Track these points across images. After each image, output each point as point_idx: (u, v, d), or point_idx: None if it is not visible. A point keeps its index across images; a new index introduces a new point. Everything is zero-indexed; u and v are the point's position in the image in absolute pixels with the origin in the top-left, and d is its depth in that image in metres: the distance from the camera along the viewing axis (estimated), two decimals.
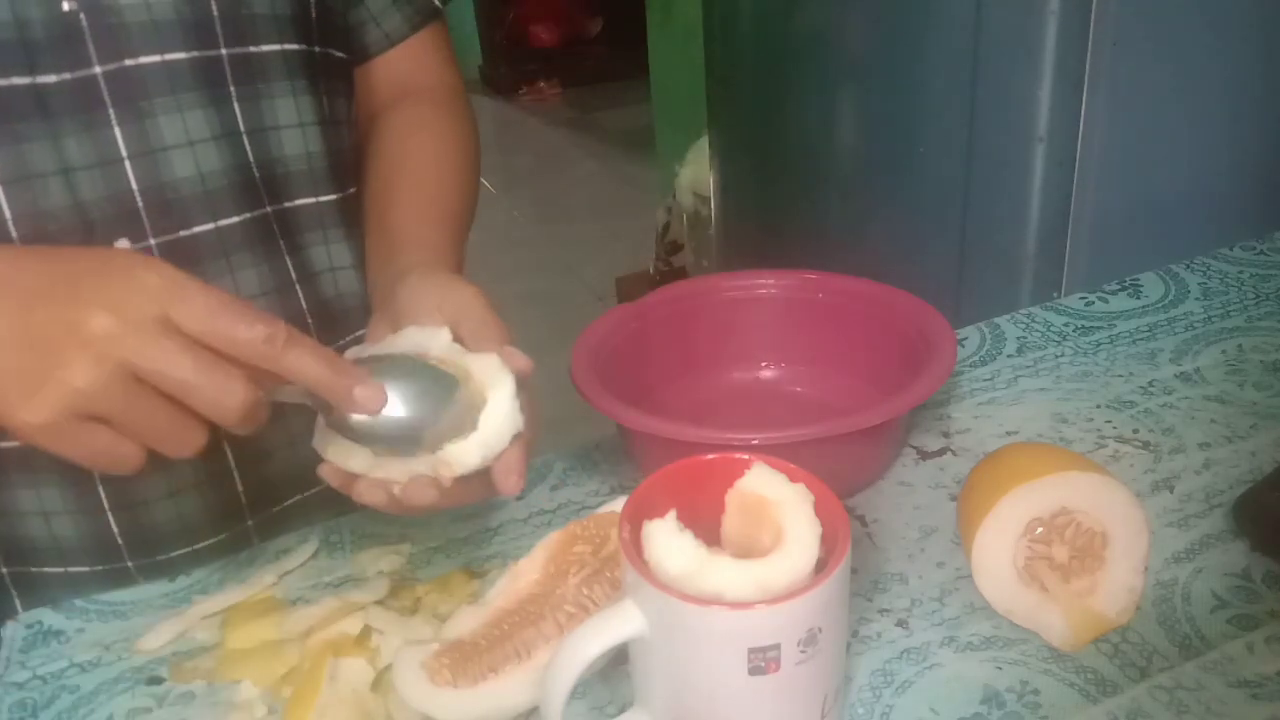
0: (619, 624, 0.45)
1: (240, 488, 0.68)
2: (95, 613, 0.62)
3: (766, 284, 0.79)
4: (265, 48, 0.63)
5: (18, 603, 0.67)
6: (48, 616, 0.62)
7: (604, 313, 0.75)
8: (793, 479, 0.49)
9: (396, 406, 0.50)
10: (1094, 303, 0.88)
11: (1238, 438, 0.70)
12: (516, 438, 0.52)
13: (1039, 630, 0.56)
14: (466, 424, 0.51)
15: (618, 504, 0.57)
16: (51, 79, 0.57)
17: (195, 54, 0.60)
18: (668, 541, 0.46)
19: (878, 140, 1.31)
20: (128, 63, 0.58)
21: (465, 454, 0.50)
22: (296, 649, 0.56)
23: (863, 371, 0.76)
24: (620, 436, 0.71)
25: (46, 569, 0.66)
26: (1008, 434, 0.73)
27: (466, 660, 0.52)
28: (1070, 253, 1.11)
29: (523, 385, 0.54)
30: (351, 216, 0.71)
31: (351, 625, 0.57)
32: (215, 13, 0.61)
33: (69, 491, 0.64)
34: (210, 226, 0.63)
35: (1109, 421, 0.73)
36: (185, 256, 0.62)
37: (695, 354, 0.79)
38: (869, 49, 1.27)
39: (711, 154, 1.77)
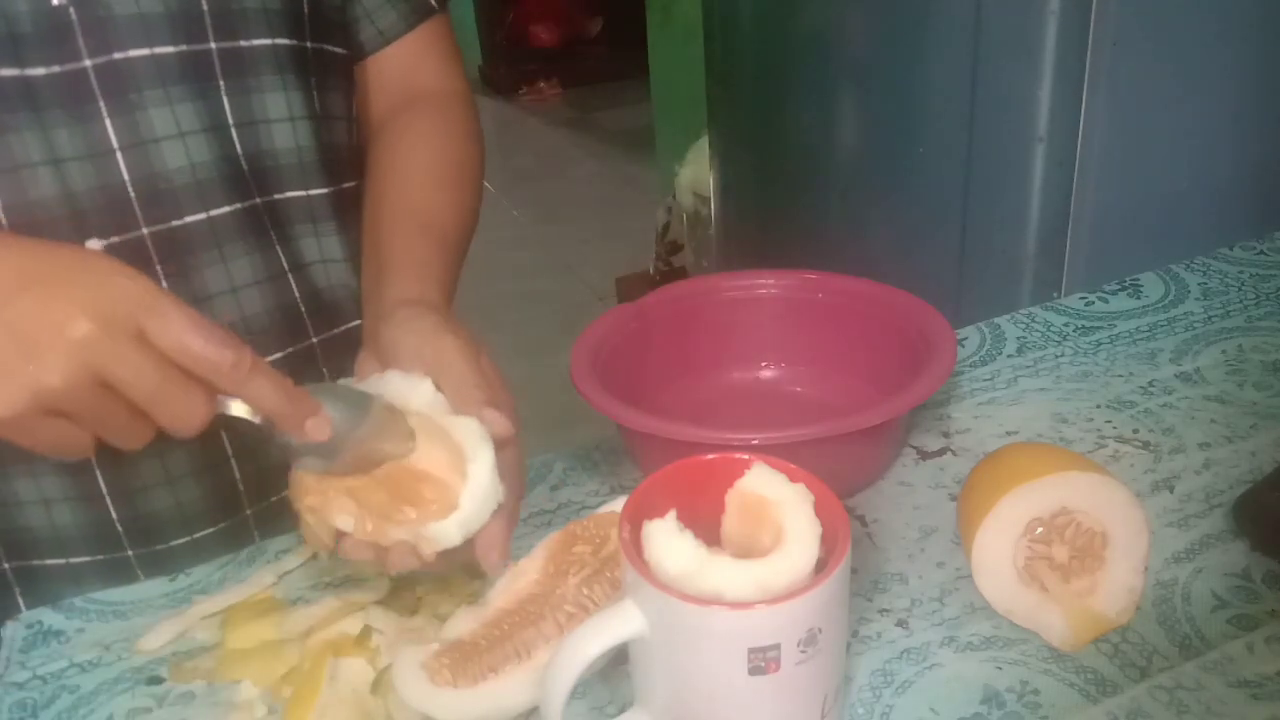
0: (619, 624, 0.45)
1: (237, 475, 0.69)
2: (95, 613, 0.62)
3: (766, 284, 0.79)
4: (255, 42, 0.64)
5: (20, 600, 0.67)
6: (48, 616, 0.62)
7: (604, 313, 0.75)
8: (793, 479, 0.49)
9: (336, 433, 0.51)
10: (1094, 303, 0.88)
11: (1238, 438, 0.70)
12: (498, 510, 0.52)
13: (1039, 630, 0.56)
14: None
15: (618, 504, 0.56)
16: (40, 72, 0.57)
17: (184, 48, 0.61)
18: (668, 541, 0.46)
19: (878, 140, 1.31)
20: (116, 56, 0.59)
21: (445, 532, 0.51)
22: (296, 649, 0.56)
23: (863, 371, 0.76)
24: (620, 436, 0.71)
25: (48, 561, 0.66)
26: (1008, 434, 0.73)
27: (466, 660, 0.52)
28: (1070, 253, 1.11)
29: (507, 444, 0.54)
30: (345, 211, 0.71)
31: (351, 625, 0.57)
32: (205, 7, 0.61)
33: (67, 479, 0.64)
34: (202, 216, 0.63)
35: (1109, 421, 0.73)
36: (178, 246, 0.63)
37: (695, 354, 0.79)
38: (869, 49, 1.27)
39: (711, 154, 1.77)
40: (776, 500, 0.48)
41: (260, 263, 0.67)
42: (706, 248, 2.32)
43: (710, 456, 0.51)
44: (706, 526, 0.48)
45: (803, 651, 0.44)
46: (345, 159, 0.72)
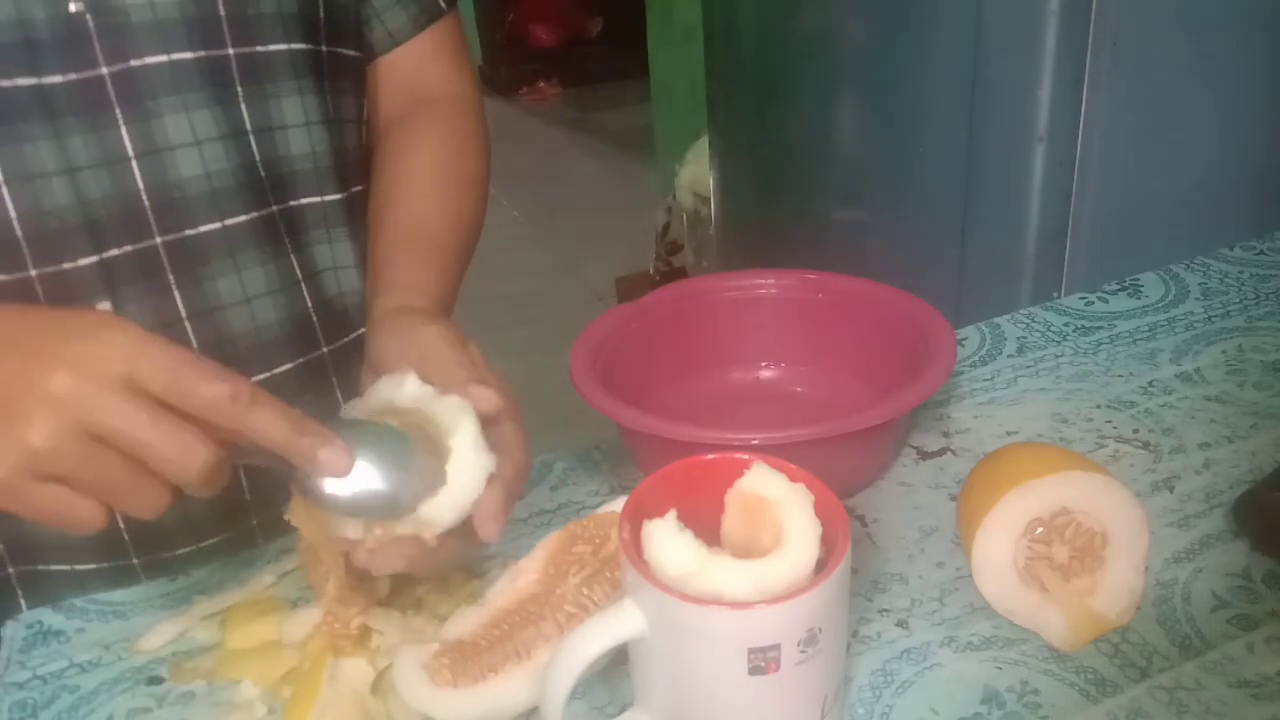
0: (619, 624, 0.45)
1: (245, 486, 0.69)
2: (95, 613, 0.62)
3: (766, 284, 0.79)
4: (272, 47, 0.63)
5: (23, 602, 0.67)
6: (48, 616, 0.62)
7: (604, 313, 0.75)
8: (793, 479, 0.49)
9: (367, 477, 0.49)
10: (1094, 303, 0.88)
11: (1238, 438, 0.70)
12: (492, 479, 0.51)
13: (1039, 630, 0.56)
14: (437, 478, 0.51)
15: (618, 504, 0.57)
16: (57, 79, 0.57)
17: (201, 54, 0.60)
18: (668, 541, 0.46)
19: (878, 140, 1.31)
20: (133, 63, 0.58)
21: (439, 511, 0.50)
22: (296, 649, 0.56)
23: (863, 371, 0.76)
24: (620, 436, 0.71)
25: (53, 566, 0.66)
26: (1008, 434, 0.73)
27: (466, 660, 0.52)
28: (1070, 253, 1.11)
29: (500, 420, 0.53)
30: (356, 215, 0.71)
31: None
32: (222, 12, 0.61)
33: None
34: (217, 225, 0.63)
35: (1109, 421, 0.73)
36: (192, 255, 0.63)
37: (695, 354, 0.79)
38: (869, 49, 1.27)
39: (711, 154, 1.77)
40: (776, 500, 0.48)
41: (274, 272, 0.66)
42: (706, 248, 2.32)
43: (710, 456, 0.51)
44: (706, 526, 0.48)
45: (803, 651, 0.44)
46: (356, 163, 0.72)
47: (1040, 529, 0.56)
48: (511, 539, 0.66)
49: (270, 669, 0.56)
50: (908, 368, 0.67)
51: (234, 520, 0.69)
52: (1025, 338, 0.84)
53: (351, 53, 0.71)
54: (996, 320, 0.87)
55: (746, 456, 0.50)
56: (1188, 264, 0.93)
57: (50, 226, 0.58)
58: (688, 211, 2.44)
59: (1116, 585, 0.56)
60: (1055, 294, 1.11)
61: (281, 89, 0.64)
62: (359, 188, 0.72)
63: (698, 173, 2.29)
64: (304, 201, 0.68)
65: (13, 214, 0.57)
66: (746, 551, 0.48)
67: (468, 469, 0.51)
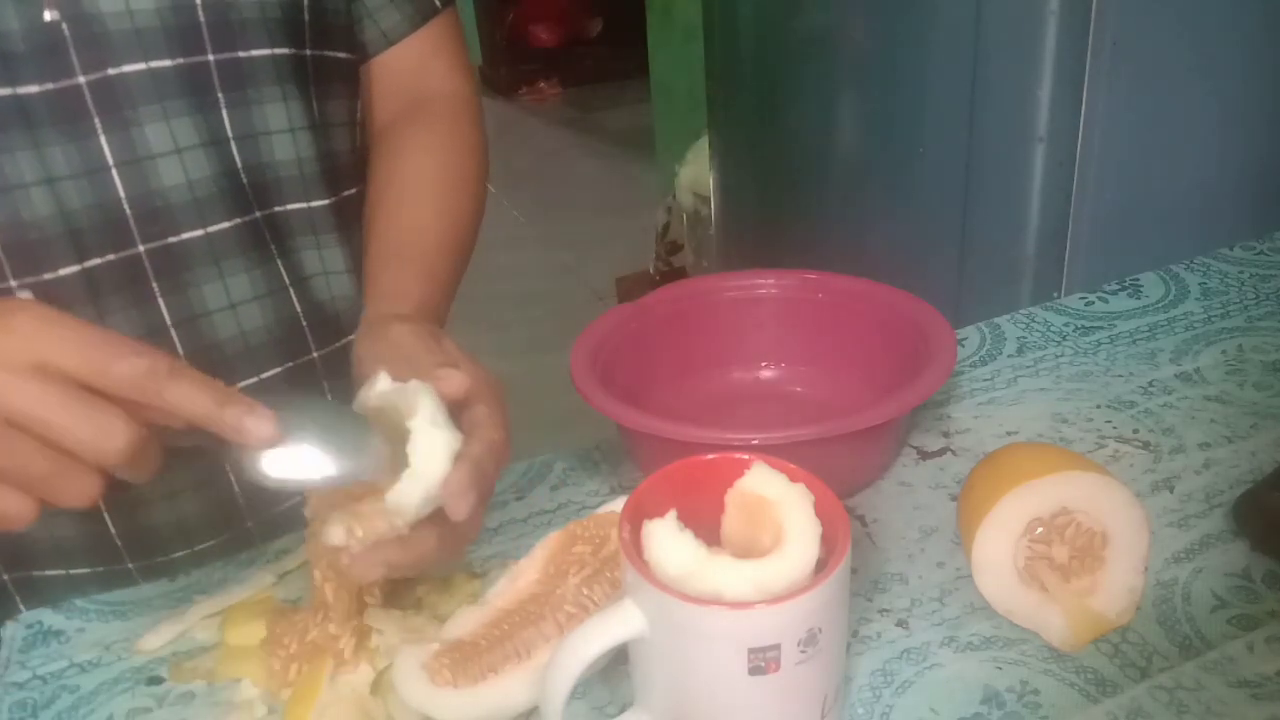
0: (619, 624, 0.45)
1: (237, 489, 0.68)
2: (95, 613, 0.62)
3: (766, 284, 0.79)
4: (254, 53, 0.63)
5: (21, 606, 0.67)
6: (48, 616, 0.62)
7: (604, 313, 0.75)
8: (793, 479, 0.49)
9: (302, 449, 0.47)
10: (1094, 303, 0.88)
11: (1238, 438, 0.70)
12: (459, 456, 0.49)
13: (1039, 630, 0.56)
14: (393, 458, 0.49)
15: (618, 504, 0.57)
16: (34, 89, 0.56)
17: (181, 61, 0.60)
18: (668, 541, 0.46)
19: (878, 140, 1.31)
20: (111, 72, 0.58)
21: (404, 494, 0.48)
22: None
23: (863, 371, 0.76)
24: (620, 436, 0.71)
25: (48, 572, 0.66)
26: (1008, 434, 0.73)
27: (466, 660, 0.52)
28: (1070, 253, 1.11)
29: (472, 402, 0.52)
30: (348, 220, 0.70)
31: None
32: (202, 19, 0.60)
33: None
34: (200, 233, 0.63)
35: (1109, 421, 0.73)
36: (176, 263, 0.62)
37: (695, 354, 0.79)
38: (869, 49, 1.27)
39: (711, 154, 1.77)
40: (776, 500, 0.48)
41: (260, 278, 0.66)
42: (706, 248, 2.32)
43: (710, 456, 0.51)
44: (706, 526, 0.48)
45: (803, 651, 0.44)
46: (347, 166, 0.71)
47: (1040, 529, 0.56)
48: (511, 539, 0.66)
49: (270, 669, 0.56)
50: (908, 368, 0.67)
51: (228, 523, 0.69)
52: (1025, 338, 0.84)
53: (341, 55, 0.70)
54: (996, 320, 0.87)
55: (746, 456, 0.50)
56: (1188, 264, 0.93)
57: (31, 237, 0.58)
58: (688, 211, 2.44)
59: (1116, 585, 0.56)
60: (1055, 294, 1.11)
61: (264, 94, 0.64)
62: (351, 191, 0.71)
63: (698, 173, 2.29)
64: (289, 208, 0.67)
65: None
66: (746, 551, 0.48)
67: (428, 447, 0.49)
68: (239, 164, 0.63)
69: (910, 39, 1.19)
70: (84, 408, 0.41)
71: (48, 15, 0.56)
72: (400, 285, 0.64)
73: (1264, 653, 0.53)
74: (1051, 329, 0.85)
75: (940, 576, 0.61)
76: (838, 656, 0.48)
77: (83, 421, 0.41)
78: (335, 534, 0.50)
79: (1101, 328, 0.85)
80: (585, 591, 0.54)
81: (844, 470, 0.66)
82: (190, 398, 0.43)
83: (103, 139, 0.58)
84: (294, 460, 0.46)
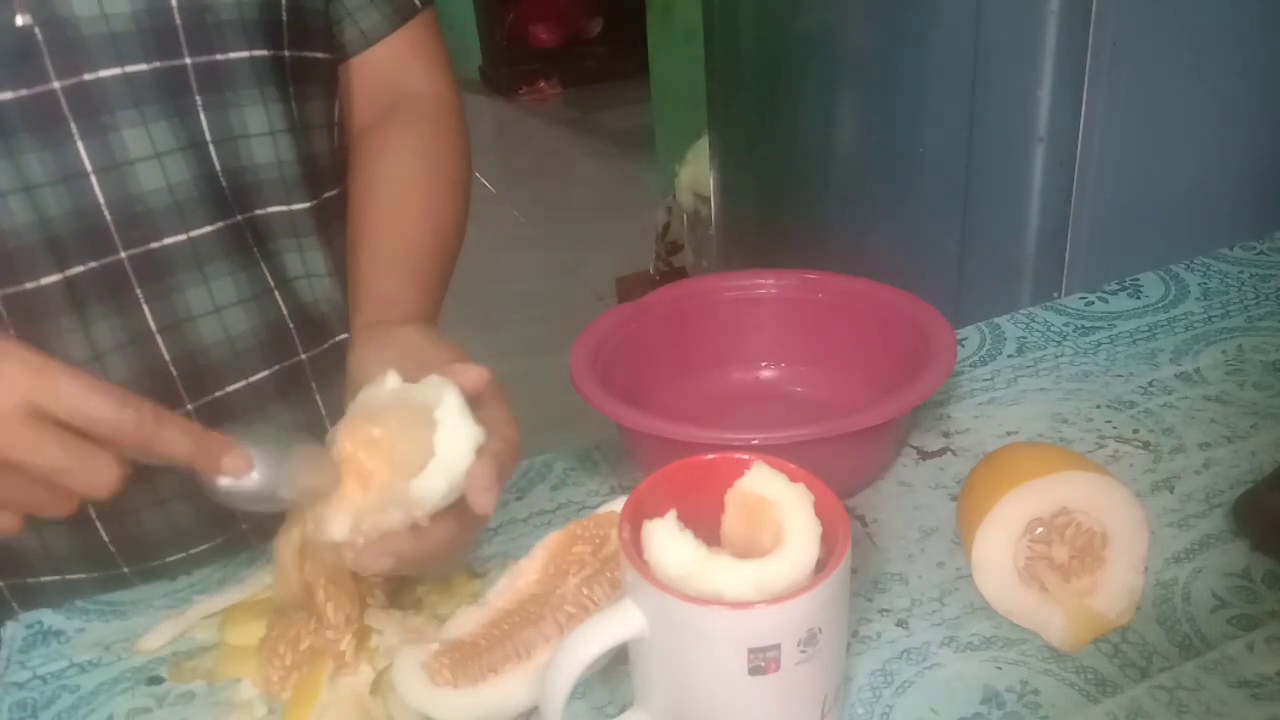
0: (619, 624, 0.45)
1: None
2: (95, 613, 0.62)
3: (766, 284, 0.79)
4: (232, 55, 0.62)
5: (17, 611, 0.66)
6: (48, 617, 0.62)
7: (604, 313, 0.75)
8: (793, 479, 0.49)
9: (260, 474, 0.50)
10: (1094, 303, 0.88)
11: (1238, 438, 0.70)
12: (481, 450, 0.50)
13: (1039, 630, 0.56)
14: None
15: (618, 504, 0.57)
16: (8, 95, 0.55)
17: (157, 65, 0.59)
18: (668, 541, 0.46)
19: (878, 140, 1.31)
20: (87, 77, 0.57)
21: (430, 483, 0.49)
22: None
23: (863, 371, 0.76)
24: (620, 436, 0.71)
25: (43, 578, 0.66)
26: (1008, 434, 0.73)
27: (466, 660, 0.52)
28: (1070, 253, 1.11)
29: (486, 402, 0.53)
30: (329, 222, 0.70)
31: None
32: (178, 22, 0.59)
33: None
34: (182, 238, 0.62)
35: (1109, 421, 0.73)
36: (158, 268, 0.62)
37: (695, 354, 0.79)
38: (869, 49, 1.27)
39: (711, 154, 1.77)
40: (776, 500, 0.48)
41: (244, 281, 0.65)
42: (706, 248, 2.32)
43: (710, 456, 0.51)
44: (706, 526, 0.48)
45: (803, 651, 0.44)
46: (327, 167, 0.70)
47: (1040, 529, 0.56)
48: (511, 539, 0.66)
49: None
50: (908, 368, 0.67)
51: (222, 526, 0.68)
52: (1025, 338, 0.84)
53: (320, 55, 0.69)
54: (996, 320, 0.87)
55: (746, 456, 0.50)
56: (1188, 264, 0.93)
57: (9, 247, 0.57)
58: (688, 211, 2.44)
59: (1116, 585, 0.56)
60: (1055, 294, 1.11)
61: (243, 97, 0.63)
62: (331, 193, 0.70)
63: (698, 173, 2.29)
64: (270, 210, 0.66)
65: None
66: (746, 551, 0.48)
67: (455, 438, 0.50)
68: (218, 167, 0.63)
69: (910, 39, 1.19)
70: (78, 455, 0.45)
71: (19, 20, 0.55)
72: (392, 291, 0.64)
73: (1264, 653, 0.53)
74: (1051, 329, 0.85)
75: (940, 576, 0.61)
76: (838, 656, 0.48)
77: (77, 467, 0.45)
78: (338, 528, 0.50)
79: (1101, 328, 0.85)
80: (585, 591, 0.54)
81: (844, 470, 0.66)
82: (176, 441, 0.47)
83: (80, 145, 0.57)
84: (247, 481, 0.50)
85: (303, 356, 0.70)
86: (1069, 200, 1.09)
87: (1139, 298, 0.89)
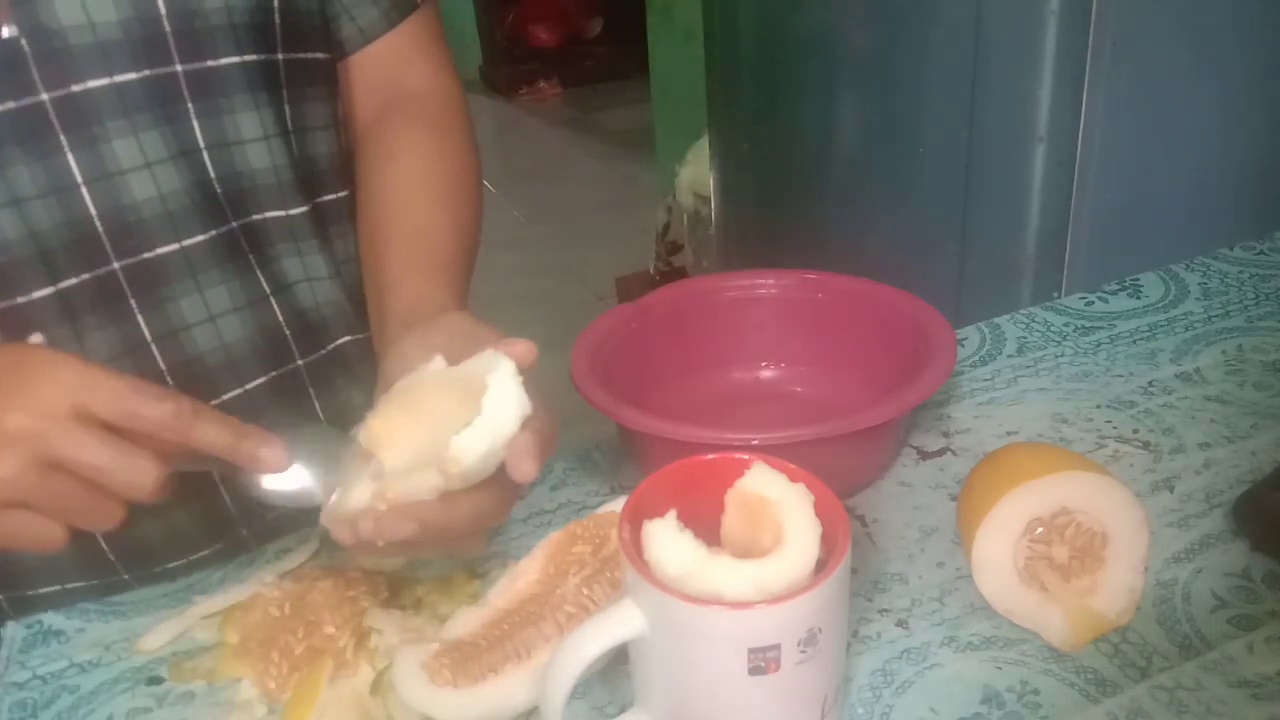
0: (619, 624, 0.45)
1: (227, 499, 0.68)
2: (95, 613, 0.62)
3: (766, 284, 0.79)
4: (223, 61, 0.61)
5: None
6: (48, 617, 0.62)
7: (604, 313, 0.75)
8: (793, 479, 0.49)
9: (300, 472, 0.51)
10: (1094, 303, 0.88)
11: (1238, 438, 0.70)
12: (527, 421, 0.49)
13: (1039, 630, 0.56)
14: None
15: (618, 504, 0.57)
16: None
17: (147, 73, 0.58)
18: (668, 541, 0.46)
19: (878, 140, 1.31)
20: (75, 88, 0.56)
21: (471, 441, 0.47)
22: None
23: (863, 371, 0.76)
24: (620, 436, 0.71)
25: (42, 590, 0.66)
26: (1008, 434, 0.73)
27: (467, 660, 0.52)
28: (1070, 253, 1.11)
29: (529, 379, 0.51)
30: (329, 225, 0.69)
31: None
32: (167, 29, 0.58)
33: None
34: (175, 247, 0.62)
35: (1109, 421, 0.73)
36: (150, 279, 0.61)
37: (695, 354, 0.79)
38: (869, 49, 1.27)
39: (711, 154, 1.77)
40: (776, 500, 0.48)
41: (239, 289, 0.65)
42: (706, 248, 2.32)
43: (710, 456, 0.51)
44: (706, 526, 0.48)
45: (803, 651, 0.44)
46: (327, 170, 0.70)
47: (1040, 529, 0.56)
48: (511, 539, 0.66)
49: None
50: (908, 368, 0.67)
51: (221, 533, 0.68)
52: (1025, 338, 0.84)
53: (318, 56, 0.68)
54: (996, 320, 0.87)
55: (746, 456, 0.50)
56: (1188, 264, 0.93)
57: (0, 262, 0.57)
58: (688, 211, 2.43)
59: (1116, 585, 0.56)
60: (1055, 294, 1.11)
61: (235, 103, 0.62)
62: (331, 196, 0.70)
63: (698, 173, 2.28)
64: (267, 215, 0.66)
65: None
66: (746, 551, 0.48)
67: (505, 401, 0.48)
68: (212, 175, 0.62)
69: (910, 39, 1.19)
70: (121, 454, 0.45)
71: (5, 32, 0.54)
72: (423, 293, 0.63)
73: (1264, 653, 0.53)
74: (1051, 329, 0.85)
75: (940, 576, 0.61)
76: (838, 656, 0.48)
77: (120, 466, 0.45)
78: (358, 496, 0.49)
79: (1101, 328, 0.85)
80: (585, 591, 0.54)
81: (844, 470, 0.66)
82: (214, 434, 0.48)
83: (70, 157, 0.57)
84: (289, 479, 0.51)
85: (299, 363, 0.69)
86: (1069, 200, 1.09)
87: (1139, 298, 0.89)
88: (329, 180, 0.70)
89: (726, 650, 0.44)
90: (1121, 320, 0.86)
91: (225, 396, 0.66)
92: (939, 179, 1.18)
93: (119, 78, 0.57)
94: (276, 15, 0.64)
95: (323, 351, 0.71)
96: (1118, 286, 0.91)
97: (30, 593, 0.66)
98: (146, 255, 0.61)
